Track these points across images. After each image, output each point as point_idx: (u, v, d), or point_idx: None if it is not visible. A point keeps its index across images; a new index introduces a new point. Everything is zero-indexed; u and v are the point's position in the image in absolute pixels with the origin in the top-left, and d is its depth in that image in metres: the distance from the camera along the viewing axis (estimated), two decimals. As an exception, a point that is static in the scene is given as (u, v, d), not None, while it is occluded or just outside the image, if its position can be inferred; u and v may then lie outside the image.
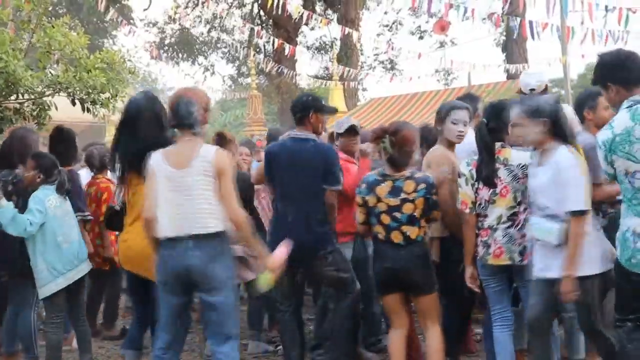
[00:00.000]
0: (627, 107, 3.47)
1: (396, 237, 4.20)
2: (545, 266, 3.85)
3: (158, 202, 3.87)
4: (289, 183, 4.73)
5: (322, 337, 5.39)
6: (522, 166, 4.06)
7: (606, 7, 12.74)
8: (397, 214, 4.17)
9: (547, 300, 3.92)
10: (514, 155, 4.10)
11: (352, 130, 5.38)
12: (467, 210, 4.22)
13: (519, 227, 4.07)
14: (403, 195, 4.15)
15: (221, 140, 5.67)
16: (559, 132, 3.84)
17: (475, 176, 4.19)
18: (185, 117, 3.89)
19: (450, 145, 4.76)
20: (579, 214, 3.69)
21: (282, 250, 4.10)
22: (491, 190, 4.12)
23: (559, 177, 3.74)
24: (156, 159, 3.92)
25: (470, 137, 4.56)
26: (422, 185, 4.15)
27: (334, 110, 5.26)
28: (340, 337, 4.80)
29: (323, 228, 4.71)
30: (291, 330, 4.89)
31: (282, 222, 4.73)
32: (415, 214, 4.16)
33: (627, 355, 3.59)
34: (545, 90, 5.27)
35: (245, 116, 19.13)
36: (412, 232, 4.17)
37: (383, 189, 4.20)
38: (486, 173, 4.11)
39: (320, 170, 4.66)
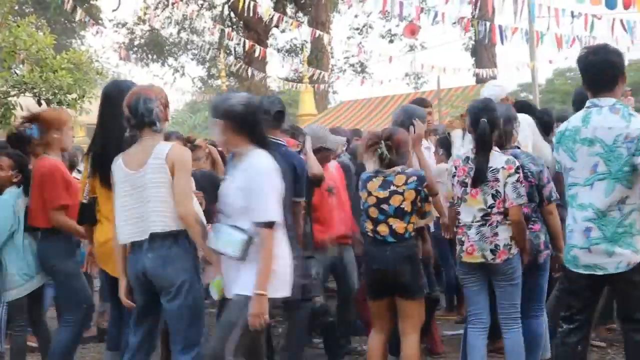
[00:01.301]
0: (586, 108, 3.63)
1: (383, 230, 4.18)
2: (229, 282, 3.64)
3: (115, 208, 3.77)
4: None
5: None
6: (493, 170, 4.10)
7: (572, 13, 12.94)
8: (385, 206, 4.17)
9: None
10: (490, 158, 4.13)
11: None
12: (447, 204, 4.35)
13: (491, 226, 4.11)
14: (392, 188, 4.16)
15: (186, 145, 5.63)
16: (252, 135, 3.68)
17: (452, 172, 4.25)
18: (146, 115, 3.71)
19: None
20: (267, 225, 3.49)
21: None
22: (462, 189, 4.18)
23: (249, 184, 3.55)
24: (117, 163, 3.79)
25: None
26: (413, 178, 4.16)
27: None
28: (292, 344, 4.78)
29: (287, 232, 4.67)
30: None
31: None
32: (403, 206, 4.15)
33: (558, 358, 3.77)
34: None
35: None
36: (399, 226, 4.15)
37: (374, 183, 4.22)
38: (478, 172, 4.13)
39: (288, 177, 4.53)
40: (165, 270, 3.64)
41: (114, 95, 4.12)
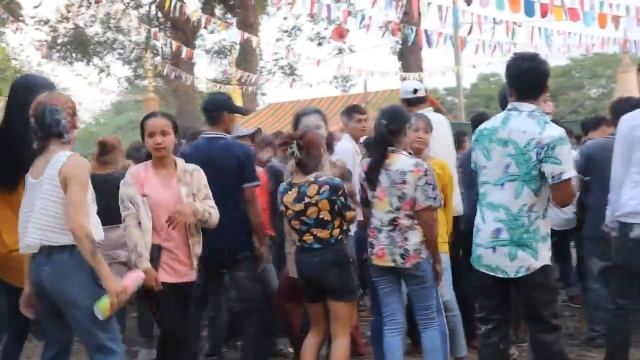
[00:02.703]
0: (507, 110, 3.75)
1: (308, 238, 4.19)
2: None
3: (20, 216, 3.67)
4: None
5: (217, 346, 5.37)
6: (401, 172, 4.14)
7: (494, 19, 13.31)
8: (304, 218, 4.17)
9: None
10: (397, 161, 4.18)
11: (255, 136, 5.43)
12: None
13: (401, 230, 4.16)
14: (307, 200, 4.15)
15: (102, 148, 5.53)
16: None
17: (362, 176, 4.31)
18: (53, 126, 3.61)
19: None
20: None
21: (134, 277, 3.79)
22: (371, 192, 4.23)
23: None
24: (29, 172, 3.69)
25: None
26: (325, 188, 4.13)
27: (245, 111, 5.24)
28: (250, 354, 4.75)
29: (242, 230, 4.65)
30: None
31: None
32: (322, 216, 4.14)
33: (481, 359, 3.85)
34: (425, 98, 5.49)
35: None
36: (322, 233, 4.16)
37: (290, 196, 4.21)
38: (372, 174, 4.19)
39: (234, 168, 4.61)
40: (60, 285, 3.55)
41: (22, 90, 4.03)
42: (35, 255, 3.61)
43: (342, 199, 4.15)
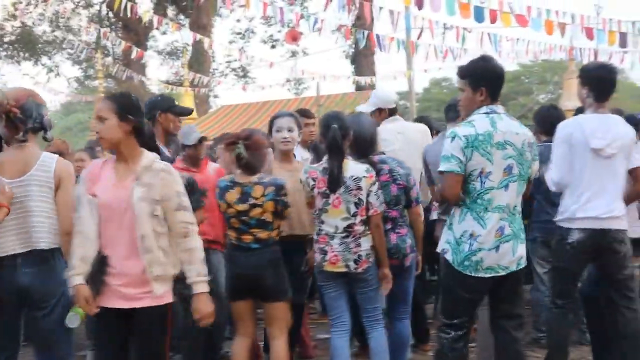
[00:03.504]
0: (485, 114, 3.75)
1: (247, 238, 4.19)
2: None
3: None
4: None
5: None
6: (355, 178, 4.16)
7: (444, 25, 13.50)
8: (246, 219, 4.17)
9: None
10: (349, 167, 4.19)
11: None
12: None
13: (355, 237, 4.18)
14: (252, 201, 4.15)
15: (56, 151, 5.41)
16: None
17: (311, 184, 4.25)
18: (37, 120, 3.55)
19: (284, 155, 4.77)
20: None
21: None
22: (324, 200, 4.21)
23: None
24: None
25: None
26: (271, 189, 4.16)
27: (186, 111, 5.18)
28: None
29: None
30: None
31: None
32: (264, 217, 4.17)
33: None
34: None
35: (92, 120, 18.42)
36: (262, 234, 4.18)
37: (232, 195, 4.20)
38: (332, 177, 4.17)
39: None
40: (48, 284, 3.52)
41: None
42: (15, 258, 3.51)
43: (284, 198, 4.20)
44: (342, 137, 4.21)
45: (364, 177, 4.16)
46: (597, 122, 4.31)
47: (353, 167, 4.19)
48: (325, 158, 4.25)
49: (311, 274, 4.66)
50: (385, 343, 4.32)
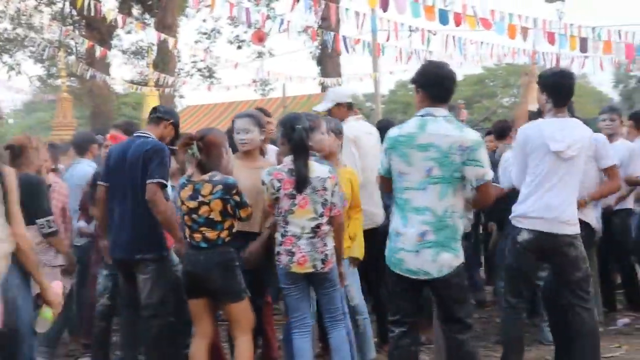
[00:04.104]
0: (420, 116, 3.81)
1: (197, 236, 4.22)
2: None
3: None
4: (115, 180, 4.66)
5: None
6: (321, 179, 4.19)
7: (410, 27, 13.59)
8: (195, 216, 4.20)
9: None
10: (314, 168, 4.21)
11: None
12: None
13: (320, 237, 4.21)
14: (200, 198, 4.17)
15: (12, 151, 5.30)
16: None
17: (275, 186, 4.24)
18: None
19: (246, 154, 4.78)
20: None
21: (57, 285, 3.78)
22: (290, 201, 4.21)
23: None
24: None
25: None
26: (219, 187, 4.16)
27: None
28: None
29: (143, 230, 4.56)
30: (128, 345, 4.83)
31: (110, 223, 4.69)
32: (212, 216, 4.17)
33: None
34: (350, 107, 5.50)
35: (54, 119, 18.12)
36: (211, 234, 4.19)
37: (185, 191, 4.23)
38: (300, 177, 4.18)
39: (139, 163, 4.53)
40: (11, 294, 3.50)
41: None
42: None
43: (237, 197, 4.20)
44: (308, 138, 4.24)
45: (328, 177, 4.20)
46: (556, 125, 4.39)
47: (318, 168, 4.22)
48: (289, 159, 4.26)
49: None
50: (346, 342, 4.35)
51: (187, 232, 4.27)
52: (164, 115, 4.86)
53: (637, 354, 5.31)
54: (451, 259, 3.73)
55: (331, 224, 4.25)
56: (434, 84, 3.80)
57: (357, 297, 4.83)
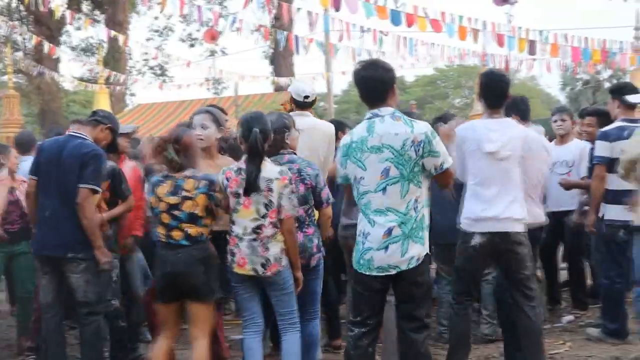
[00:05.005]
0: (367, 119, 3.81)
1: (177, 234, 4.14)
2: None
3: None
4: (45, 176, 4.60)
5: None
6: (267, 179, 4.14)
7: (362, 27, 13.66)
8: (177, 212, 4.13)
9: None
10: (265, 169, 4.16)
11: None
12: None
13: (262, 241, 4.16)
14: (184, 194, 4.12)
15: None
16: None
17: (225, 184, 4.21)
18: None
19: (204, 150, 4.70)
20: None
21: None
22: (235, 199, 4.19)
23: None
24: None
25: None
26: (204, 183, 4.14)
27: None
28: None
29: (74, 230, 4.50)
30: (56, 343, 4.68)
31: (39, 217, 4.64)
32: (196, 211, 4.13)
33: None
34: (314, 102, 5.46)
35: (1, 117, 17.71)
36: (193, 230, 4.13)
37: (164, 188, 4.16)
38: (249, 181, 4.13)
39: (75, 165, 4.51)
40: None
41: None
42: None
43: (218, 194, 4.19)
44: (263, 140, 4.18)
45: (276, 179, 4.14)
46: (490, 126, 4.45)
47: (268, 169, 4.17)
48: (243, 159, 4.23)
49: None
50: (298, 346, 4.30)
51: (163, 231, 4.18)
52: (102, 119, 4.89)
53: (580, 350, 5.42)
54: (419, 249, 3.73)
55: (278, 227, 4.18)
56: (364, 86, 3.83)
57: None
